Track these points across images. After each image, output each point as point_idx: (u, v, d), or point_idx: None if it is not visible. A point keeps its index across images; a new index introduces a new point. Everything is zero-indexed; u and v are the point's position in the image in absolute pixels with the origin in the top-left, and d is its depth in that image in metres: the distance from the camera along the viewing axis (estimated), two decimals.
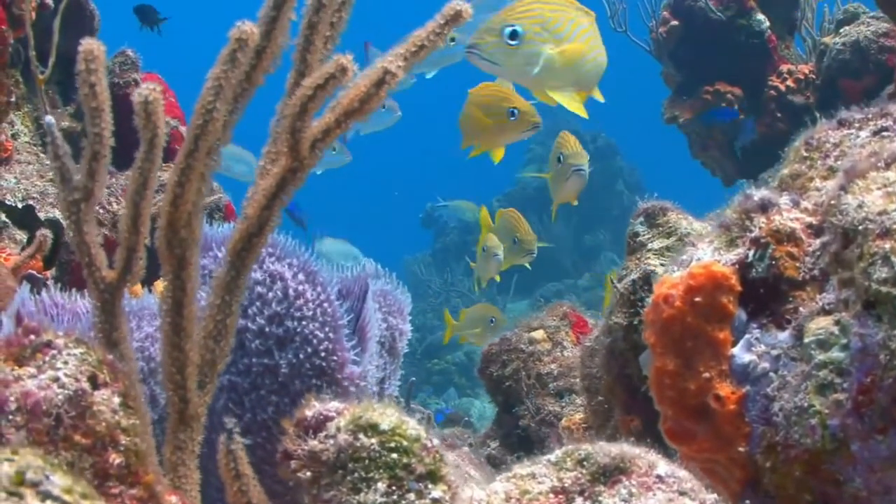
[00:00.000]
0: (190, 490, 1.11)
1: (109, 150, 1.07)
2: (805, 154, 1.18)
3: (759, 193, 1.10)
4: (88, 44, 1.04)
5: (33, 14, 2.87)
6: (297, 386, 1.51)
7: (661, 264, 1.79)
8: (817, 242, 1.06)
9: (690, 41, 4.70)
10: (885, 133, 1.14)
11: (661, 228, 1.88)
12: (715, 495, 0.91)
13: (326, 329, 1.50)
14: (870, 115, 1.17)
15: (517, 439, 2.54)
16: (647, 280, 1.78)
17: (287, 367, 1.50)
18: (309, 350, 1.50)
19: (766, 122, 4.61)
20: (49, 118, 1.10)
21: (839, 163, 1.13)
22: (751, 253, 1.08)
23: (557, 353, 2.54)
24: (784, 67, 4.59)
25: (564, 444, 0.97)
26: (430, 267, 11.26)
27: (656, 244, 1.86)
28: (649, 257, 1.85)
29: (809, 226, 1.08)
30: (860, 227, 0.98)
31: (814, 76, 4.50)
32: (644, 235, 1.88)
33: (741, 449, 1.05)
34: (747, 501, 1.05)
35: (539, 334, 2.57)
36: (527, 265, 4.26)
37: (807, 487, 1.01)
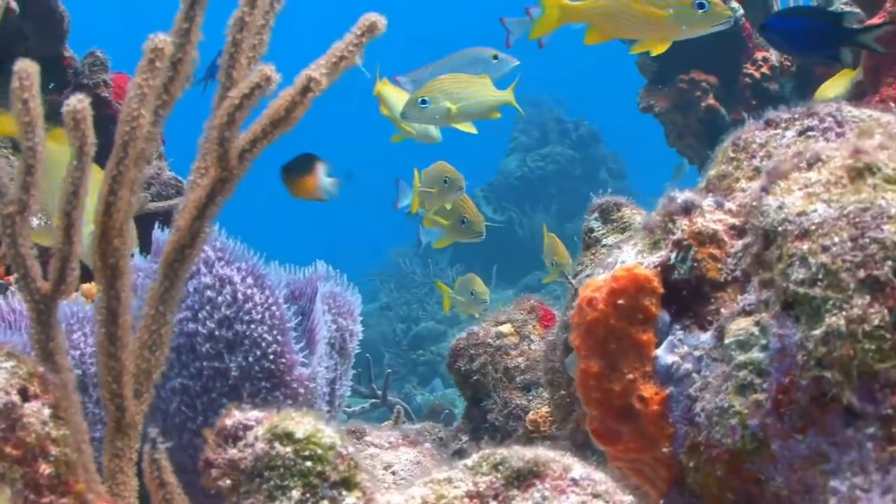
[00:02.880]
0: (128, 497, 1.12)
1: (42, 164, 1.09)
2: (732, 155, 1.19)
3: (682, 196, 1.12)
4: (23, 63, 1.08)
5: None
6: (248, 388, 1.53)
7: None
8: (739, 244, 1.08)
9: None
10: (810, 133, 1.15)
11: (615, 224, 1.90)
12: (631, 497, 0.92)
13: (275, 332, 1.52)
14: (796, 115, 1.18)
15: (485, 433, 2.55)
16: None
17: (237, 370, 1.52)
18: (258, 353, 1.52)
19: (741, 109, 4.61)
20: None
21: (764, 163, 1.14)
22: (673, 255, 1.09)
23: (525, 346, 2.55)
24: (759, 55, 4.59)
25: (483, 447, 0.98)
26: (415, 258, 11.25)
27: (611, 240, 1.88)
28: (604, 253, 1.86)
29: (733, 227, 1.09)
30: (780, 229, 0.99)
31: (788, 63, 4.51)
32: (599, 231, 1.90)
33: (665, 449, 1.06)
34: (662, 502, 1.06)
35: (506, 328, 2.57)
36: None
37: (729, 487, 1.02)
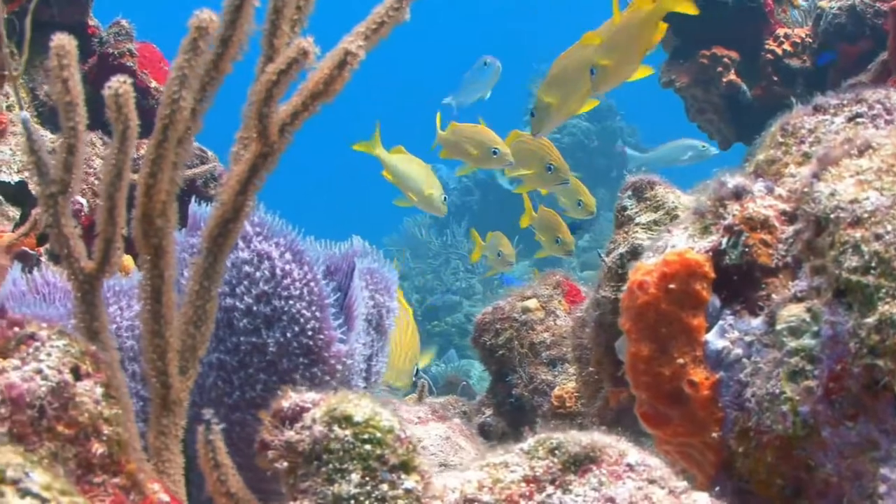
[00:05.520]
0: (173, 474, 1.13)
1: (84, 144, 1.08)
2: (781, 140, 1.19)
3: (733, 181, 1.12)
4: (60, 38, 1.04)
5: None
6: (285, 364, 1.52)
7: (649, 238, 1.80)
8: (790, 230, 1.08)
9: None
10: (859, 119, 1.15)
11: (648, 202, 1.89)
12: (685, 483, 0.92)
13: (313, 308, 1.52)
14: (845, 101, 1.18)
15: (510, 408, 2.56)
16: (634, 254, 1.79)
17: (275, 346, 1.52)
18: (296, 329, 1.51)
19: (762, 85, 4.60)
20: (24, 114, 1.11)
21: (814, 149, 1.14)
22: (724, 240, 1.09)
23: (550, 322, 2.55)
24: (780, 31, 4.58)
25: (538, 429, 0.98)
26: (431, 229, 11.26)
27: (644, 218, 1.87)
28: (637, 231, 1.86)
29: (783, 213, 1.09)
30: (832, 216, 1.00)
31: (810, 40, 4.49)
32: (632, 209, 1.90)
33: (714, 434, 1.07)
34: (717, 488, 1.06)
35: (532, 303, 2.57)
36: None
37: (779, 472, 1.02)
